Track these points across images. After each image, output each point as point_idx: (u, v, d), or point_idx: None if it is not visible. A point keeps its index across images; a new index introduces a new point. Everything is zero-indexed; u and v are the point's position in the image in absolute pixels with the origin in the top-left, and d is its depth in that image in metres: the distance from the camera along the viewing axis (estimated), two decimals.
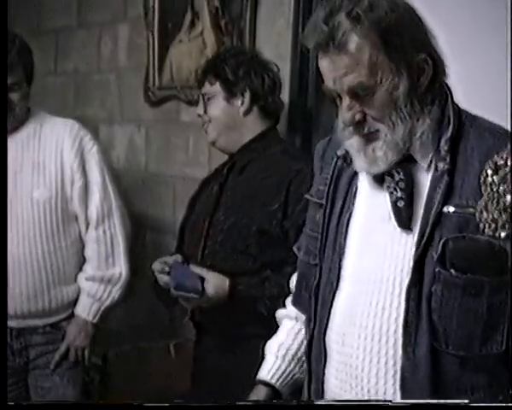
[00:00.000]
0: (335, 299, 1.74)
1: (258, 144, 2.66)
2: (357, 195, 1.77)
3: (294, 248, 1.97)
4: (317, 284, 1.79)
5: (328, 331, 1.75)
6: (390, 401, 1.60)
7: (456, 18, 2.51)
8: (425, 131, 1.67)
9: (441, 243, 1.61)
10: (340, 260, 1.75)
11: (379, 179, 1.71)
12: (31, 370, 2.98)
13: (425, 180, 1.68)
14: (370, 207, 1.75)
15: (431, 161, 1.67)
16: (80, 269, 2.98)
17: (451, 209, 1.62)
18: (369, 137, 1.67)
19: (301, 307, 1.89)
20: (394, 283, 1.66)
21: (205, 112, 2.70)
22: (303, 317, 1.89)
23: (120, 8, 3.83)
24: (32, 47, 3.01)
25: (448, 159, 1.64)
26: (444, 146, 1.65)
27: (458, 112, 1.70)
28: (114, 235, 2.96)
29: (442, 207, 1.62)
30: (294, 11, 2.91)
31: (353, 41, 1.61)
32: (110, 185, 2.98)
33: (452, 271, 1.60)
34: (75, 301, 2.97)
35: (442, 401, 1.56)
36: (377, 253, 1.70)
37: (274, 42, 3.03)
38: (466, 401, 1.56)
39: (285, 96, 2.98)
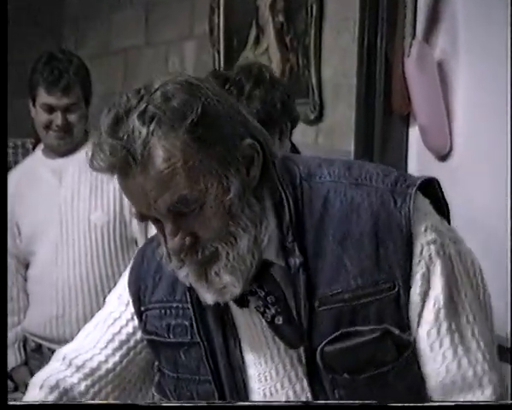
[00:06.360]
0: None
1: None
2: (236, 322, 1.44)
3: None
4: None
5: None
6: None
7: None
8: (273, 229, 1.35)
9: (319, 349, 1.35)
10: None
11: (241, 302, 1.39)
12: None
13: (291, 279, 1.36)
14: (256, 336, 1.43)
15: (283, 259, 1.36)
16: None
17: (316, 304, 1.34)
18: (207, 261, 1.32)
19: None
20: None
21: None
22: None
23: (187, 25, 3.79)
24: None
25: (297, 251, 1.34)
26: (288, 236, 1.35)
27: (293, 181, 1.38)
28: None
29: (310, 306, 1.34)
30: (360, 24, 2.80)
31: (158, 151, 1.25)
32: None
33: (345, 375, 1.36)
34: None
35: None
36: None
37: (339, 57, 2.93)
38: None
39: (351, 113, 2.88)
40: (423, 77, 2.59)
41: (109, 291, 2.78)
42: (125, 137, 1.25)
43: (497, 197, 2.38)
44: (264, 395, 1.44)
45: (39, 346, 2.94)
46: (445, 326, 1.35)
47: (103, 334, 1.59)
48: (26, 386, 2.91)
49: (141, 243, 2.86)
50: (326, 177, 1.39)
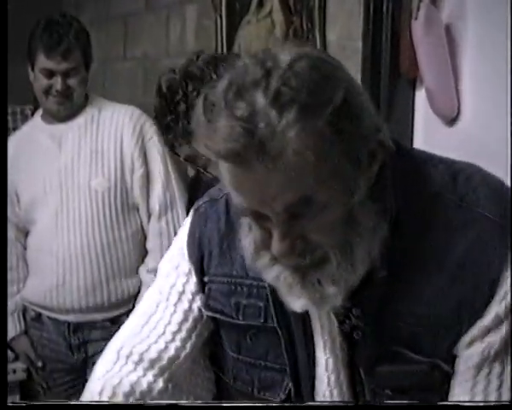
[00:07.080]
0: None
1: None
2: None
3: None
4: None
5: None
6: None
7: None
8: (384, 238, 1.17)
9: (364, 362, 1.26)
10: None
11: None
12: (90, 366, 2.86)
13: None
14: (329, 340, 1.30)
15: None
16: (142, 261, 2.86)
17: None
18: (312, 266, 1.15)
19: None
20: None
21: None
22: None
23: None
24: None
25: (385, 264, 1.19)
26: (382, 247, 1.18)
27: (399, 181, 1.22)
28: (178, 226, 2.82)
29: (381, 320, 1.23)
30: None
31: (292, 144, 1.04)
32: (173, 174, 2.83)
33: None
34: (136, 295, 2.84)
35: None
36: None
37: (344, 19, 2.85)
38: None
39: (357, 77, 2.81)
40: (430, 40, 2.52)
41: (110, 259, 2.79)
42: (255, 122, 1.03)
43: (504, 161, 2.34)
44: (331, 395, 1.31)
45: (39, 315, 2.89)
46: (485, 372, 1.21)
47: (171, 314, 1.38)
48: (26, 356, 2.93)
49: (142, 209, 2.82)
50: (432, 185, 1.23)
